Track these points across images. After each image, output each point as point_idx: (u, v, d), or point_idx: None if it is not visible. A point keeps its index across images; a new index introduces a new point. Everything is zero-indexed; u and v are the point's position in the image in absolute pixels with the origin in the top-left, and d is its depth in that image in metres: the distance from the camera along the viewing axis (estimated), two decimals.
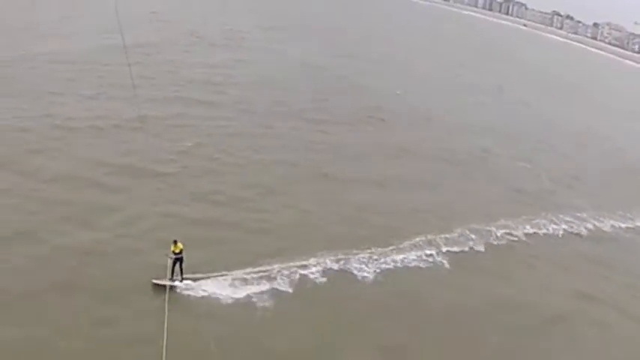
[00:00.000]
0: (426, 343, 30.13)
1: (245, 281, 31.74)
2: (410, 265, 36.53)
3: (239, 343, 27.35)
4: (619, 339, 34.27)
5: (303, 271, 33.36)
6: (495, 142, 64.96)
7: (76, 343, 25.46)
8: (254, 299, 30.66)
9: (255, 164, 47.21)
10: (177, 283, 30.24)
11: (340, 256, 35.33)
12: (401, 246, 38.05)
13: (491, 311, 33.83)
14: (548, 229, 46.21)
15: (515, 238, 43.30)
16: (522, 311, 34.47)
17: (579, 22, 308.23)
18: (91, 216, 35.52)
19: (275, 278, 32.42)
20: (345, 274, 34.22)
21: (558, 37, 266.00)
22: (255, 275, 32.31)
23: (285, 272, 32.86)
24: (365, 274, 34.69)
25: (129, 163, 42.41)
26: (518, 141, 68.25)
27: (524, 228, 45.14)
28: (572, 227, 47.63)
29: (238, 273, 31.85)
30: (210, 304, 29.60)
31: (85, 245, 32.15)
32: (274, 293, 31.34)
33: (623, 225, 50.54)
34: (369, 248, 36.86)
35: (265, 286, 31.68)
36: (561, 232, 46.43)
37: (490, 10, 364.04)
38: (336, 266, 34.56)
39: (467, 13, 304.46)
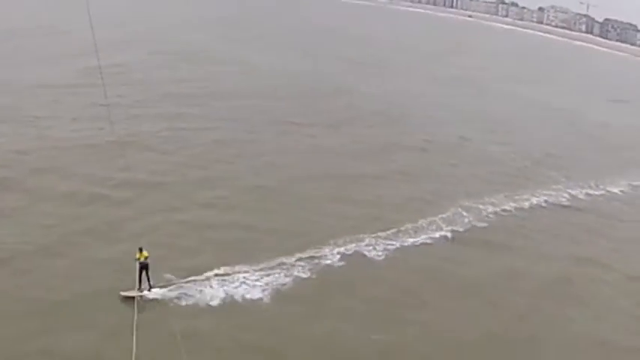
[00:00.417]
0: (448, 313, 32.23)
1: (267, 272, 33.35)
2: (417, 244, 38.90)
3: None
4: (623, 292, 37.06)
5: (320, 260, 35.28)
6: (470, 130, 68.10)
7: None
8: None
9: (248, 168, 48.98)
10: (145, 292, 29.85)
11: (350, 243, 37.44)
12: (402, 228, 40.34)
13: (502, 279, 36.33)
14: (531, 202, 49.01)
15: (505, 213, 46.00)
16: (530, 277, 37.07)
17: (524, 7, 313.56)
18: (106, 228, 36.69)
19: (294, 266, 34.09)
20: (359, 256, 36.35)
21: (505, 25, 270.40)
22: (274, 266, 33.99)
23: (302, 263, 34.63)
24: (377, 254, 36.86)
25: (128, 177, 43.87)
26: (492, 126, 71.33)
27: (508, 203, 47.89)
28: (551, 198, 50.45)
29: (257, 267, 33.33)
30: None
31: (111, 256, 33.05)
32: (296, 280, 33.06)
33: (596, 193, 53.89)
34: (374, 233, 39.00)
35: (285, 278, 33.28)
36: (543, 204, 49.12)
37: (434, 4, 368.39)
38: (350, 251, 36.68)
39: (413, 10, 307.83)
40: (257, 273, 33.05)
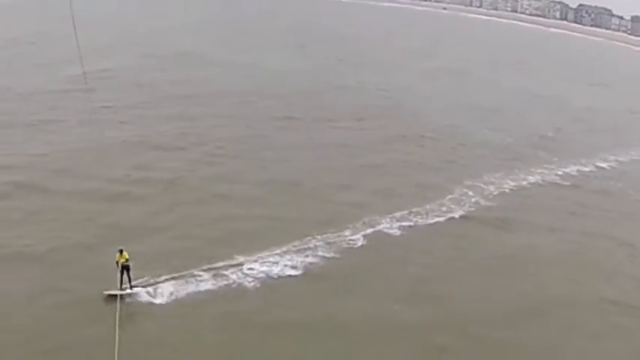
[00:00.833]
0: (473, 287, 34.41)
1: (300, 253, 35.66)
2: (431, 223, 41.55)
3: None
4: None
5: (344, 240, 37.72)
6: (462, 119, 70.82)
7: None
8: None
9: (259, 162, 51.21)
10: (127, 291, 30.28)
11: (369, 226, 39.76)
12: (414, 210, 42.71)
13: (519, 253, 38.79)
14: (529, 181, 51.75)
15: (507, 190, 48.67)
16: (544, 250, 39.50)
17: None
18: (134, 223, 38.32)
19: (316, 249, 36.25)
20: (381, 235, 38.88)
21: (481, 16, 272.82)
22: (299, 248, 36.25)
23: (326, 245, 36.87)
24: (395, 233, 39.44)
25: (144, 174, 45.90)
26: (482, 114, 74.06)
27: (506, 182, 50.61)
28: (546, 177, 53.31)
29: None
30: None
31: (150, 250, 34.63)
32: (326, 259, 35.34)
33: (586, 169, 56.81)
34: (390, 214, 41.50)
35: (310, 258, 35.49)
36: (540, 182, 51.82)
37: None
38: (370, 231, 39.02)
39: (389, 5, 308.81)
40: (286, 255, 35.13)
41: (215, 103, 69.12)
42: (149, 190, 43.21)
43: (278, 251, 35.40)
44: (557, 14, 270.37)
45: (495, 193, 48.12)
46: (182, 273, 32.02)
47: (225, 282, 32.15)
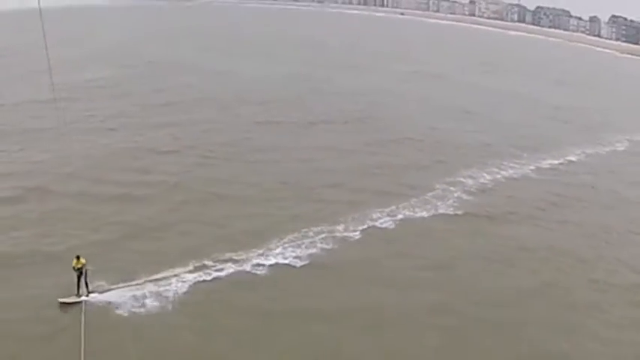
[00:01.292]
0: (474, 274, 36.78)
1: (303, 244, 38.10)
2: (419, 216, 44.11)
3: None
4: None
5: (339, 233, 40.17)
6: (440, 119, 74.49)
7: None
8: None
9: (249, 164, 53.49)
10: (83, 297, 30.62)
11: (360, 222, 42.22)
12: (401, 205, 45.24)
13: (511, 243, 41.31)
14: (503, 174, 55.01)
15: (488, 184, 51.75)
16: (531, 238, 42.28)
17: (455, 1, 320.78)
18: (142, 222, 40.45)
19: (316, 242, 38.64)
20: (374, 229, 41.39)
21: (439, 20, 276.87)
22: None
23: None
24: (388, 226, 41.99)
25: (150, 178, 48.06)
26: (458, 114, 77.74)
27: (483, 176, 53.60)
28: (520, 171, 56.47)
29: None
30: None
31: (177, 249, 36.62)
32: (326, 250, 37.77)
33: (556, 162, 60.21)
34: (380, 208, 44.15)
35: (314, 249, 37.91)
36: (517, 176, 54.86)
37: (365, 4, 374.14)
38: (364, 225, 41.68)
39: (348, 11, 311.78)
40: (289, 247, 37.58)
41: (198, 109, 71.22)
42: (150, 191, 45.31)
43: (279, 244, 37.65)
44: (515, 17, 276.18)
45: (475, 186, 50.82)
46: (196, 265, 34.14)
47: (235, 273, 34.29)
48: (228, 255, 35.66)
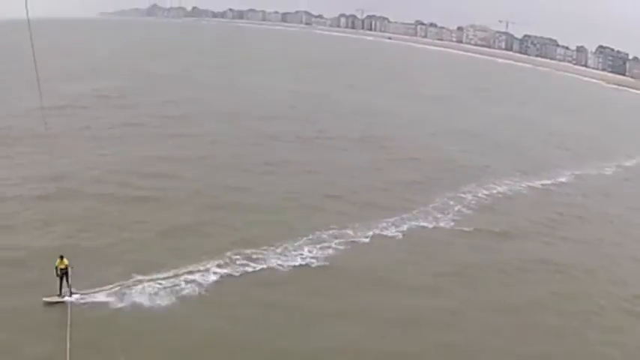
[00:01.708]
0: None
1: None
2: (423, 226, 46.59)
3: None
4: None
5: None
6: (444, 140, 77.68)
7: None
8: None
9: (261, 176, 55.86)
10: (66, 298, 31.01)
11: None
12: (404, 216, 47.59)
13: (514, 256, 43.37)
14: (499, 190, 57.94)
15: (485, 199, 54.49)
16: (535, 251, 44.57)
17: (442, 27, 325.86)
18: (166, 223, 42.52)
19: (330, 245, 40.90)
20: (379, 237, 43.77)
21: (426, 46, 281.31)
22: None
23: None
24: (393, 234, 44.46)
25: (174, 183, 50.73)
26: (462, 135, 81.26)
27: (482, 191, 56.39)
28: (512, 188, 59.25)
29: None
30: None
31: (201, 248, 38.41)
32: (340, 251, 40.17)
33: (548, 182, 63.22)
34: (385, 219, 46.39)
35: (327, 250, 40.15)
36: (509, 193, 57.71)
37: (353, 27, 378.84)
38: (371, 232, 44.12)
39: (337, 34, 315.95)
40: (307, 247, 40.15)
41: (206, 122, 74.29)
42: (170, 195, 47.78)
43: (295, 245, 40.01)
44: (503, 44, 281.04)
45: (473, 201, 53.51)
46: (218, 262, 36.37)
47: (255, 272, 36.40)
48: (247, 254, 37.85)
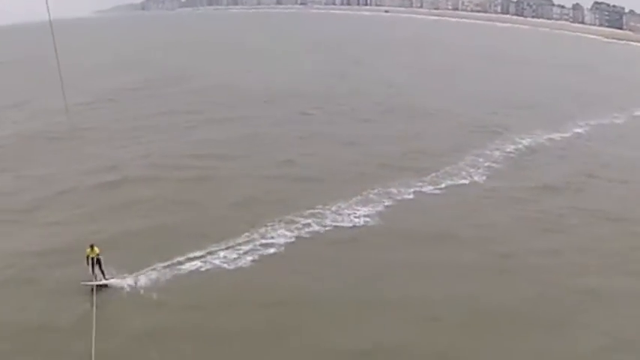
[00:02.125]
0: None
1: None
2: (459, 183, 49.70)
3: None
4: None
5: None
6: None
7: None
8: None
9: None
10: (103, 281, 31.59)
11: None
12: (439, 173, 50.85)
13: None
14: (524, 144, 61.48)
15: (512, 154, 58.23)
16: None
17: None
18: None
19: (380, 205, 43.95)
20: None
21: (425, 16, 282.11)
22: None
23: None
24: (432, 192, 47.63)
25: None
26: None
27: (508, 147, 59.95)
28: (535, 140, 63.08)
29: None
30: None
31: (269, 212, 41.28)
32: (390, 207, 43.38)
33: (567, 134, 67.12)
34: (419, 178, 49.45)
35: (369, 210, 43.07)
36: (534, 145, 61.47)
37: (348, 4, 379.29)
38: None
39: (333, 12, 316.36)
40: (354, 206, 43.14)
41: (237, 106, 77.97)
42: (230, 171, 51.35)
43: (349, 204, 43.20)
44: (499, 8, 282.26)
45: (501, 157, 56.84)
46: (288, 226, 39.49)
47: (322, 232, 39.38)
48: (309, 216, 40.95)
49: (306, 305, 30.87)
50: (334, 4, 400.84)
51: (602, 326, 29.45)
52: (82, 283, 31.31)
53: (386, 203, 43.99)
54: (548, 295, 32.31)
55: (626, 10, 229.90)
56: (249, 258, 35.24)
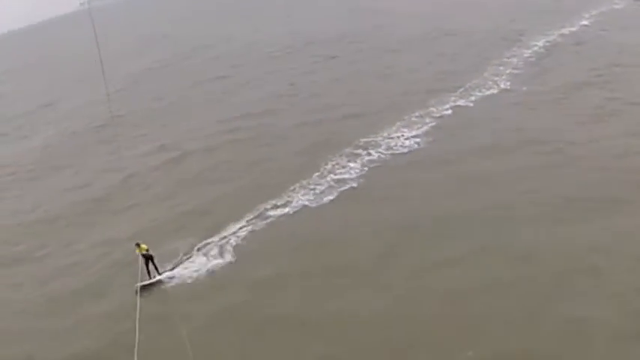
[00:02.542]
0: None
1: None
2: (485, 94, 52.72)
3: None
4: None
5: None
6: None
7: None
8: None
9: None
10: (158, 277, 31.39)
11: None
12: (467, 87, 54.17)
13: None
14: (539, 45, 64.48)
15: (531, 58, 60.88)
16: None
17: None
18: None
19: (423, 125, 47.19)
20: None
21: None
22: None
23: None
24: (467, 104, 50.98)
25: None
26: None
27: (524, 52, 62.73)
28: (549, 40, 65.86)
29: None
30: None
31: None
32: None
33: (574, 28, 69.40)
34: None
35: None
36: (548, 45, 64.30)
37: None
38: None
39: None
40: (402, 129, 46.82)
41: (263, 62, 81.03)
42: (283, 123, 54.39)
43: (394, 129, 46.99)
44: None
45: (521, 63, 59.57)
46: (349, 158, 42.98)
47: (377, 158, 42.58)
48: (365, 146, 44.70)
49: (409, 229, 32.72)
50: None
51: None
52: (138, 284, 30.99)
53: (430, 123, 47.22)
54: (607, 179, 34.39)
55: None
56: (330, 197, 37.81)
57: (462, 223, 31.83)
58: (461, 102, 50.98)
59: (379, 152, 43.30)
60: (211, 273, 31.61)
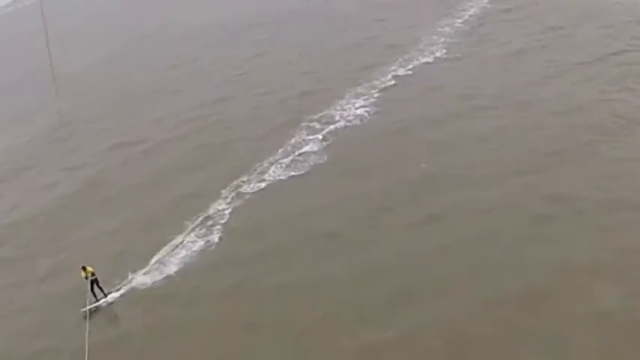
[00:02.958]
0: None
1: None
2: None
3: None
4: None
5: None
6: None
7: None
8: None
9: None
10: (101, 301, 30.92)
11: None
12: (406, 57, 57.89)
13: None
14: (470, 13, 68.08)
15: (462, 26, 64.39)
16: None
17: None
18: None
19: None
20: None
21: None
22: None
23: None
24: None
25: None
26: None
27: (456, 22, 65.91)
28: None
29: None
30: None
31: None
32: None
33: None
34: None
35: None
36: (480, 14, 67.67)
37: None
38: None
39: None
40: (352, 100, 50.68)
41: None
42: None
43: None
44: None
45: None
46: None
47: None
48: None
49: (384, 193, 36.25)
50: None
51: None
52: (83, 309, 30.52)
53: (375, 94, 50.93)
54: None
55: None
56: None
57: (433, 184, 35.78)
58: (400, 71, 54.86)
59: (336, 124, 46.58)
60: (203, 254, 33.93)
